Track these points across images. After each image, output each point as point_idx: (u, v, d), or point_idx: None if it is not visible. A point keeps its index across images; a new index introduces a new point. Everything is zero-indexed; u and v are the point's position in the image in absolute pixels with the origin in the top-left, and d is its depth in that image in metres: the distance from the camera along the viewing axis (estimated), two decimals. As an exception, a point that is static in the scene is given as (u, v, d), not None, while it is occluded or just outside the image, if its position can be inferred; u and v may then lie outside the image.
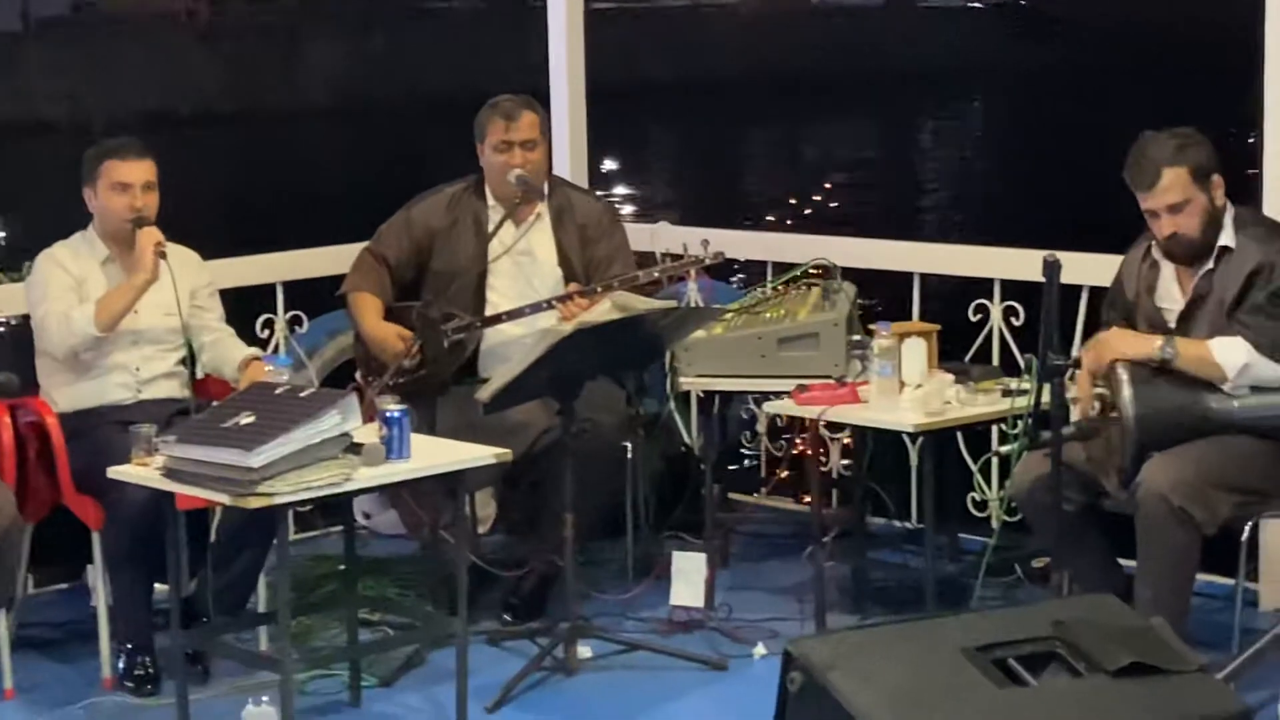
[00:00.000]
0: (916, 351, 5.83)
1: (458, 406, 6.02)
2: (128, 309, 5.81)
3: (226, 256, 6.80)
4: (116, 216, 5.88)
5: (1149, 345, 5.36)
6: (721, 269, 6.48)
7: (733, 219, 17.69)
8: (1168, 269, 5.53)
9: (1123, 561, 5.61)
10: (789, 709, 4.21)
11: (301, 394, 5.05)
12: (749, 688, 5.60)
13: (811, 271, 6.55)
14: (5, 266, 6.79)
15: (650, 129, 25.09)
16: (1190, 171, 5.38)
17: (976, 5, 31.52)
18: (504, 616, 6.19)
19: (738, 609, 6.20)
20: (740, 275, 7.22)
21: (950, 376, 5.83)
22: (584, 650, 5.85)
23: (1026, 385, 5.39)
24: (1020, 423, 5.40)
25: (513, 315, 6.23)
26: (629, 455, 6.39)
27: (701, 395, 6.67)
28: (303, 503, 5.05)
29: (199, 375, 6.08)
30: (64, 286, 5.88)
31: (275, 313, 6.99)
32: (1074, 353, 5.67)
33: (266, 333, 6.94)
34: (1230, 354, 5.31)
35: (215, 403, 5.34)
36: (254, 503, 4.83)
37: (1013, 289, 6.66)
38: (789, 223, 17.87)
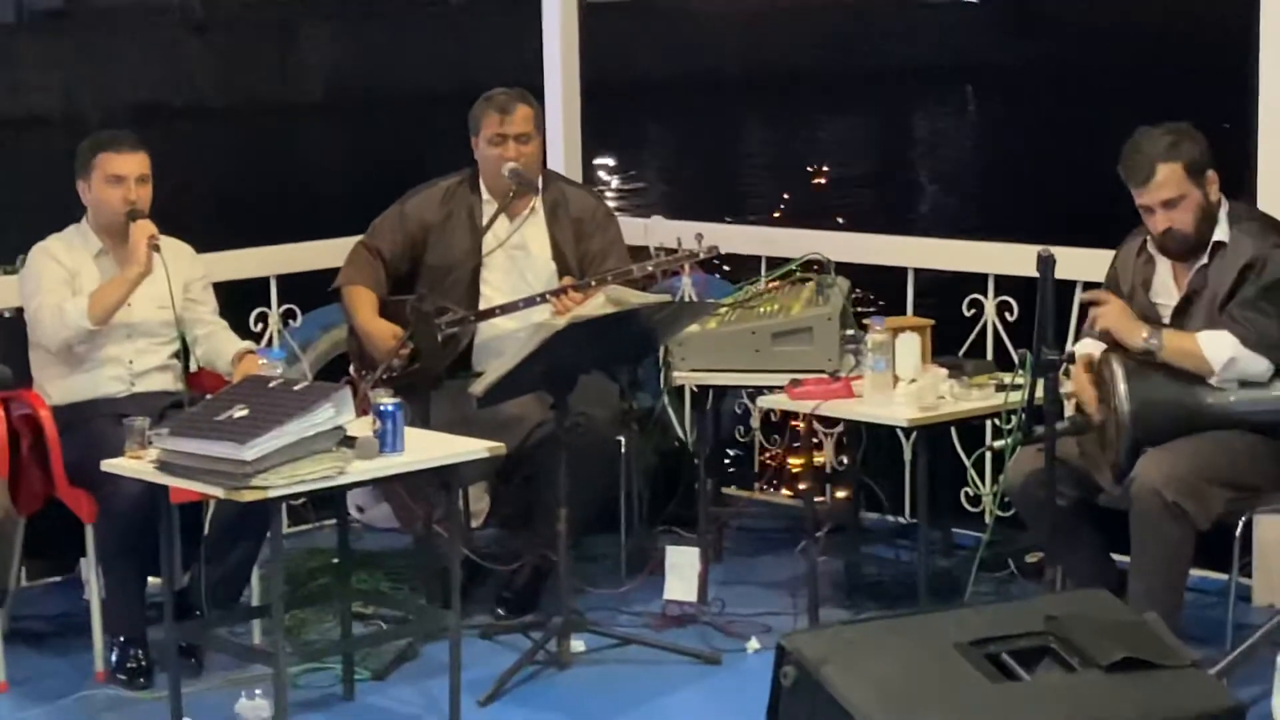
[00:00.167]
0: (910, 346, 5.83)
1: (451, 400, 6.02)
2: (121, 302, 5.80)
3: (220, 250, 6.80)
4: (110, 209, 5.88)
5: (1137, 332, 5.37)
6: (709, 263, 6.48)
7: (726, 213, 17.71)
8: (1163, 264, 5.54)
9: (1116, 557, 5.61)
10: (782, 703, 4.21)
11: (295, 387, 5.05)
12: (742, 682, 5.60)
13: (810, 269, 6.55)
14: (-1, 259, 6.79)
15: (644, 124, 25.10)
16: (1185, 167, 5.38)
17: (971, 0, 31.52)
18: (497, 610, 6.19)
19: (731, 603, 6.20)
20: (725, 268, 7.21)
21: (944, 371, 5.83)
22: (577, 644, 5.85)
23: (1020, 380, 5.39)
24: (1014, 418, 5.40)
25: (506, 309, 6.22)
26: (623, 450, 6.38)
27: (695, 390, 6.67)
28: (296, 496, 5.05)
29: (192, 368, 6.08)
30: (57, 279, 5.87)
31: (269, 306, 6.98)
32: (1068, 348, 5.67)
33: (260, 326, 6.94)
34: (1216, 348, 5.31)
35: (209, 396, 5.34)
36: (247, 496, 4.83)
37: (1007, 284, 6.66)
38: (778, 216, 17.88)
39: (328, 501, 5.90)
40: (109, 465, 5.20)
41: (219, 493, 4.92)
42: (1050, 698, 4.19)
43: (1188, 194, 5.39)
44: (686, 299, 6.47)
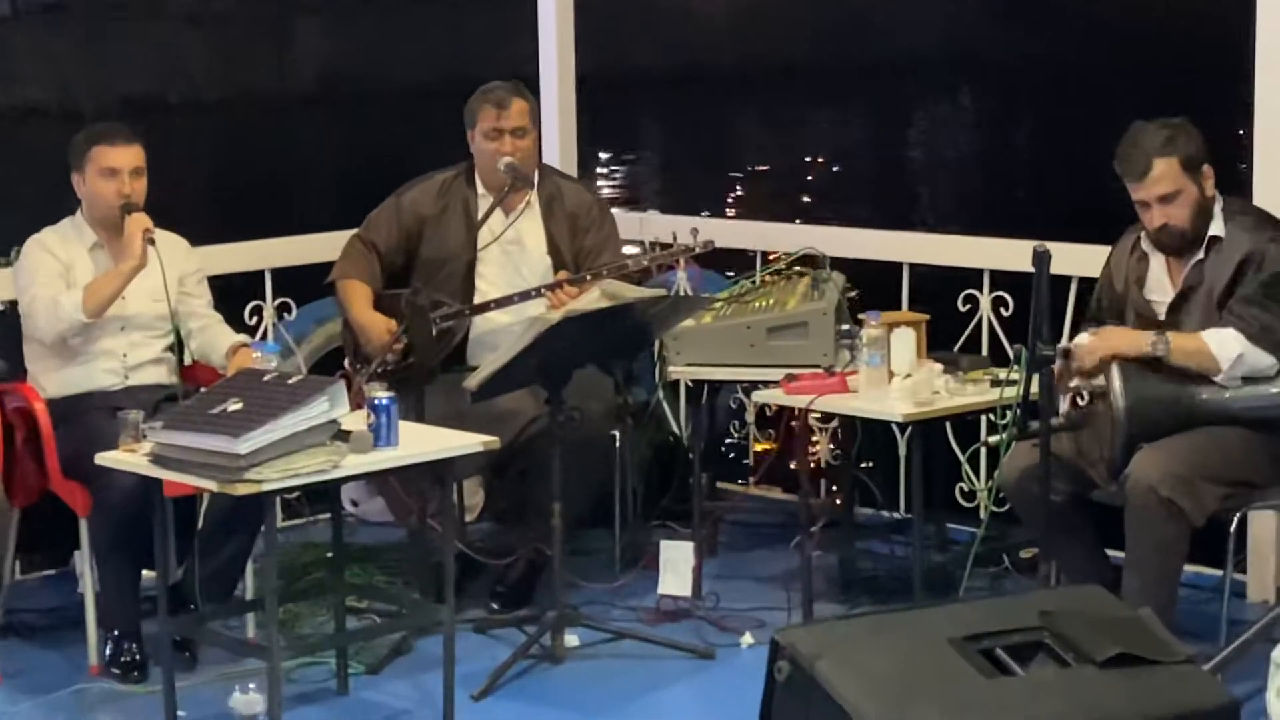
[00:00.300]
0: (905, 341, 5.83)
1: (446, 394, 6.01)
2: (116, 295, 5.80)
3: (215, 243, 6.79)
4: (105, 202, 5.87)
5: (1142, 341, 5.36)
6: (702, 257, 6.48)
7: (722, 207, 17.70)
8: (1157, 260, 5.53)
9: (1111, 552, 5.61)
10: (776, 698, 4.21)
11: (289, 381, 5.05)
12: (736, 677, 5.61)
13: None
14: (-7, 252, 6.78)
15: (640, 118, 25.07)
16: (1181, 162, 5.38)
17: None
18: (491, 605, 6.19)
19: (725, 598, 6.20)
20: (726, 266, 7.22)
21: (939, 366, 5.83)
22: (571, 639, 5.84)
23: (1015, 375, 5.39)
24: (1009, 413, 5.40)
25: (501, 303, 6.22)
26: (617, 444, 6.39)
27: (690, 384, 6.66)
28: (290, 490, 5.05)
29: (187, 362, 6.08)
30: (52, 272, 5.86)
31: (264, 299, 6.98)
32: (1063, 343, 5.67)
33: (255, 319, 6.93)
34: (1224, 345, 5.31)
35: (203, 389, 5.33)
36: (241, 489, 4.82)
37: (1002, 279, 6.66)
38: (773, 211, 17.86)
39: (322, 495, 5.90)
40: (103, 458, 5.19)
41: (213, 486, 4.91)
42: (1044, 693, 4.18)
43: (1183, 189, 5.38)
44: (681, 293, 6.47)
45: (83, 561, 5.81)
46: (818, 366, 5.98)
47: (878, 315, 5.83)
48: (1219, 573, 5.65)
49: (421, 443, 5.26)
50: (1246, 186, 5.98)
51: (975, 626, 4.28)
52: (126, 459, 5.13)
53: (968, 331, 6.70)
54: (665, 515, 6.81)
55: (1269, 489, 5.40)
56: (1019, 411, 5.33)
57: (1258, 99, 5.99)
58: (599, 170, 20.33)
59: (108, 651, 5.72)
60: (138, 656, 5.70)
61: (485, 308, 6.25)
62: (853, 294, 6.43)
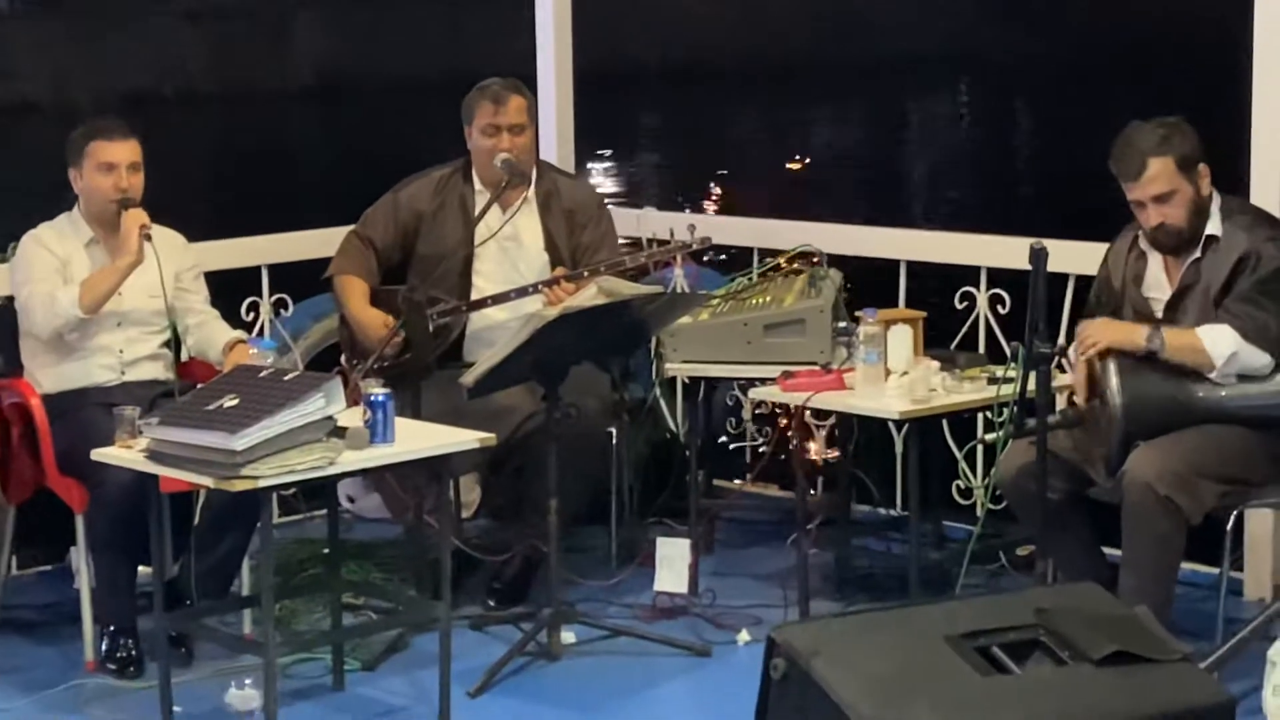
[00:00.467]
0: (902, 338, 5.82)
1: (442, 391, 6.01)
2: (112, 291, 5.79)
3: (211, 239, 6.80)
4: (102, 197, 5.86)
5: (1136, 335, 5.36)
6: (699, 253, 6.48)
7: (719, 204, 17.70)
8: (1155, 259, 5.53)
9: (1107, 550, 5.61)
10: (772, 696, 4.21)
11: (286, 377, 5.04)
12: (732, 674, 5.61)
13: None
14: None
15: (638, 114, 25.07)
16: (1176, 161, 5.38)
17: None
18: (488, 601, 6.19)
19: (721, 595, 6.20)
20: (722, 257, 7.22)
21: (936, 364, 5.82)
22: (568, 636, 5.84)
23: (1012, 373, 5.39)
24: (1006, 410, 5.40)
25: (498, 300, 6.22)
26: (614, 441, 6.39)
27: (687, 381, 6.66)
28: (286, 486, 5.04)
29: (183, 358, 6.07)
30: (49, 268, 5.86)
31: (260, 296, 6.97)
32: (1060, 341, 5.67)
33: (251, 315, 6.93)
34: (1218, 342, 5.31)
35: (199, 385, 5.33)
36: (238, 486, 4.82)
37: (999, 277, 6.65)
38: (775, 208, 17.86)
39: (318, 492, 5.89)
40: (99, 454, 5.19)
41: (209, 482, 4.91)
42: (1040, 691, 4.18)
43: (1179, 189, 5.38)
44: (678, 290, 6.47)
45: (79, 557, 5.81)
46: (814, 364, 5.98)
47: (875, 312, 5.83)
48: (1216, 570, 5.65)
49: (418, 439, 5.26)
50: (1244, 184, 5.98)
51: (971, 624, 4.28)
52: (123, 455, 5.13)
53: (965, 329, 6.69)
54: (662, 512, 6.81)
55: (1266, 487, 5.40)
56: (1016, 409, 5.32)
57: (1255, 99, 5.99)
58: (596, 167, 20.33)
59: (104, 647, 5.71)
60: (134, 652, 5.69)
61: (482, 304, 6.25)
62: (849, 291, 6.43)
